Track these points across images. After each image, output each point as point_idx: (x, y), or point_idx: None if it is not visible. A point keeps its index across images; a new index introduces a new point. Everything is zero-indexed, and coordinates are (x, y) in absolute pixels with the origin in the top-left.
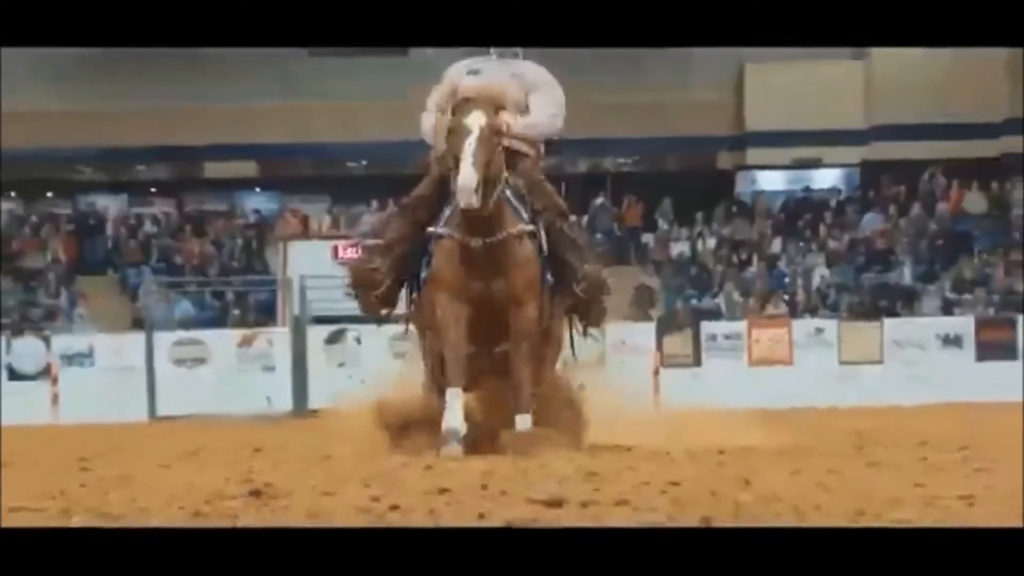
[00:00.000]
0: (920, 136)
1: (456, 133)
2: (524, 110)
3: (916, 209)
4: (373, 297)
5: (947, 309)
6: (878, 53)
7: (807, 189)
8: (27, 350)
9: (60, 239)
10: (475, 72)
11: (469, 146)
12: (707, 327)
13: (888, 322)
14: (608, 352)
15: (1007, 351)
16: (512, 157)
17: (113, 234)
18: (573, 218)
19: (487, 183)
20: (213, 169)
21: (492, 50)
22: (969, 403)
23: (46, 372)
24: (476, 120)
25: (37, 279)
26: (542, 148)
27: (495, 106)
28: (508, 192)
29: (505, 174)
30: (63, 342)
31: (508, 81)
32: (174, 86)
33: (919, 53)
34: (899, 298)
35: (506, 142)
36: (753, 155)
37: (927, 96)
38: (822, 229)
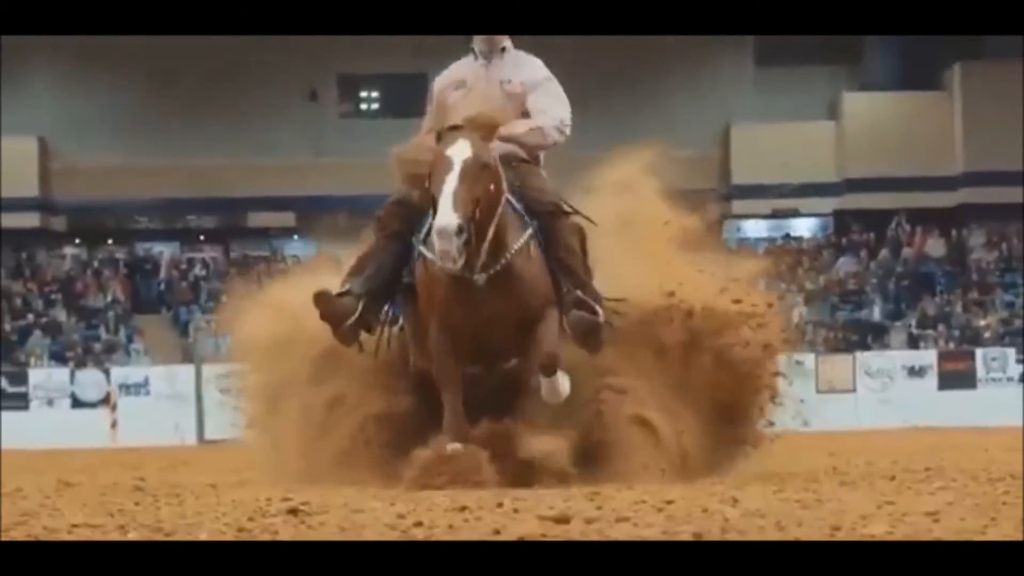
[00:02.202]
0: (887, 188)
1: (437, 166)
2: (523, 115)
3: (884, 253)
4: (345, 328)
5: (913, 343)
6: (849, 114)
7: (786, 236)
8: (89, 380)
9: (119, 281)
10: (462, 85)
11: (449, 184)
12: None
13: (860, 355)
14: None
15: (966, 380)
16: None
17: (166, 276)
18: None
19: (476, 231)
20: (255, 219)
21: (476, 47)
22: (932, 427)
23: (106, 400)
24: (460, 152)
25: (98, 317)
26: (542, 155)
27: (486, 131)
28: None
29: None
30: (121, 373)
31: (499, 91)
32: (221, 144)
33: (887, 114)
34: (869, 333)
35: (501, 148)
36: (738, 206)
37: (893, 152)
38: (800, 272)
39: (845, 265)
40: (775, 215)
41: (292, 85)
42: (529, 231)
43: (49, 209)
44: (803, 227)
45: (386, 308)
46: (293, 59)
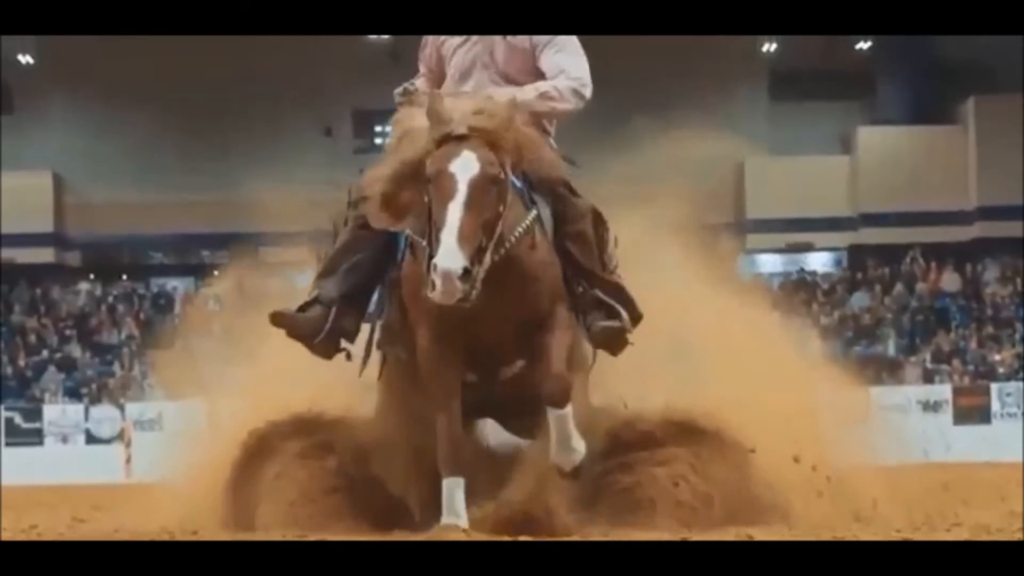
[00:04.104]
0: (902, 223)
1: (437, 184)
2: (534, 74)
3: (899, 288)
4: (320, 343)
5: (927, 378)
6: (864, 148)
7: (801, 271)
8: (104, 416)
9: (133, 317)
10: (464, 76)
11: (453, 211)
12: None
13: (874, 390)
14: None
15: (981, 415)
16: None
17: (181, 312)
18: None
19: (479, 256)
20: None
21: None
22: (947, 462)
23: (120, 436)
24: (466, 168)
25: (113, 353)
26: (553, 124)
27: (493, 140)
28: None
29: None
30: (136, 409)
31: (501, 50)
32: (236, 180)
33: (901, 148)
34: (884, 368)
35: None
36: (752, 240)
37: (908, 187)
38: (815, 306)
39: (860, 300)
40: (789, 249)
41: (307, 121)
42: (534, 213)
43: (64, 244)
44: (817, 262)
45: (373, 307)
46: (308, 96)
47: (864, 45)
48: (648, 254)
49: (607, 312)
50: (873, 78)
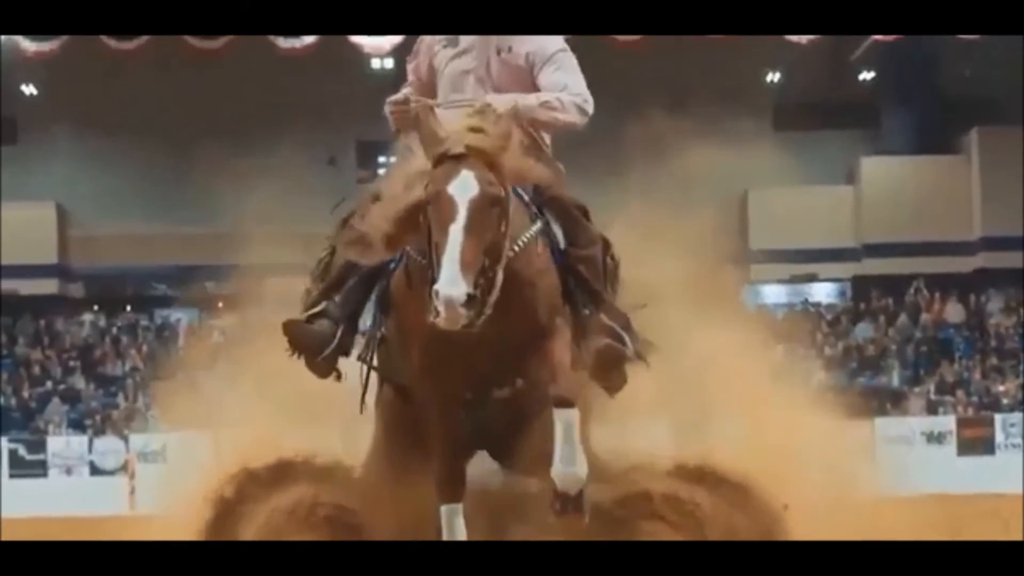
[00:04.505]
0: (905, 253)
1: (436, 206)
2: (531, 91)
3: (903, 319)
4: (322, 359)
5: (931, 409)
6: (867, 179)
7: (805, 301)
8: (108, 448)
9: (137, 348)
10: (454, 41)
11: (454, 236)
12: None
13: (879, 421)
14: None
15: (986, 447)
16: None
17: (184, 343)
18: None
19: (484, 285)
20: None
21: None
22: (950, 494)
23: (124, 468)
24: (465, 189)
25: (117, 384)
26: (548, 143)
27: (494, 155)
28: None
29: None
30: (140, 441)
31: (494, 65)
32: (239, 211)
33: (905, 179)
34: (888, 399)
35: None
36: (756, 271)
37: (911, 217)
38: (819, 337)
39: (863, 331)
40: (793, 280)
41: (311, 152)
42: (538, 225)
43: (67, 276)
44: (821, 292)
45: (368, 325)
46: (312, 127)
47: (868, 76)
48: (650, 284)
49: (611, 336)
50: (877, 109)
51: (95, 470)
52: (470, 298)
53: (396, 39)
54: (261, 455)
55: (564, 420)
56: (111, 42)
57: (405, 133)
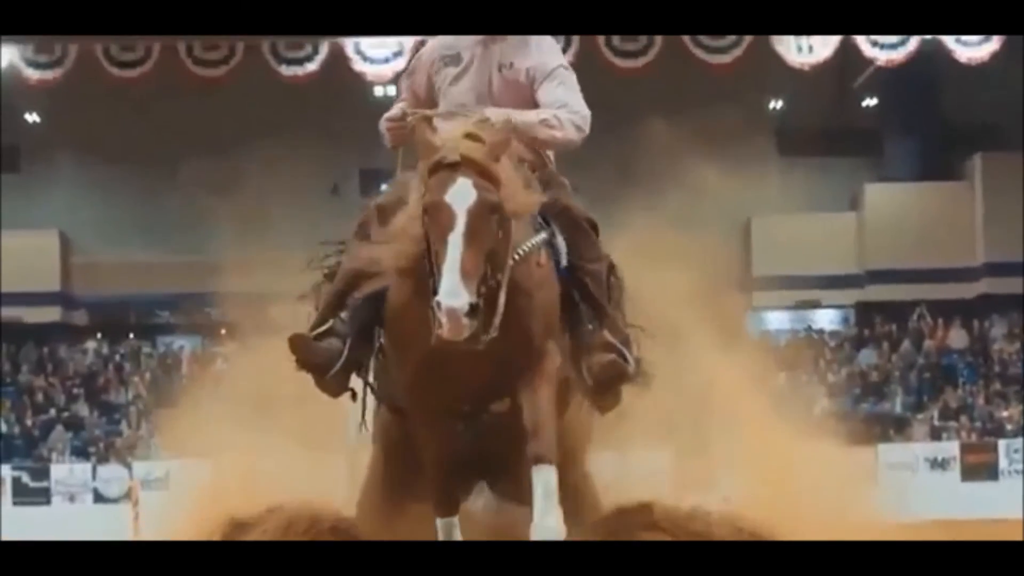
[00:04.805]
0: (909, 280)
1: (434, 216)
2: (531, 107)
3: (906, 345)
4: (331, 377)
5: (935, 435)
6: (871, 205)
7: (808, 328)
8: (111, 476)
9: (140, 375)
10: (455, 61)
11: (454, 245)
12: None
13: (882, 447)
14: None
15: (989, 472)
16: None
17: (188, 371)
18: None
19: (487, 298)
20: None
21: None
22: (954, 520)
23: (128, 495)
24: (462, 197)
25: (120, 412)
26: (552, 159)
27: (490, 162)
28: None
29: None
30: (143, 468)
31: (497, 81)
32: (242, 238)
33: (908, 205)
34: (892, 425)
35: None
36: (759, 298)
37: (915, 243)
38: (822, 364)
39: (867, 357)
40: (797, 307)
41: (314, 180)
42: (541, 236)
43: (70, 304)
44: (825, 319)
45: (377, 338)
46: (316, 155)
47: (871, 102)
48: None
49: (614, 352)
50: (880, 135)
51: (98, 497)
52: (473, 308)
53: (398, 66)
54: (263, 484)
55: (543, 478)
56: (113, 70)
57: (403, 151)
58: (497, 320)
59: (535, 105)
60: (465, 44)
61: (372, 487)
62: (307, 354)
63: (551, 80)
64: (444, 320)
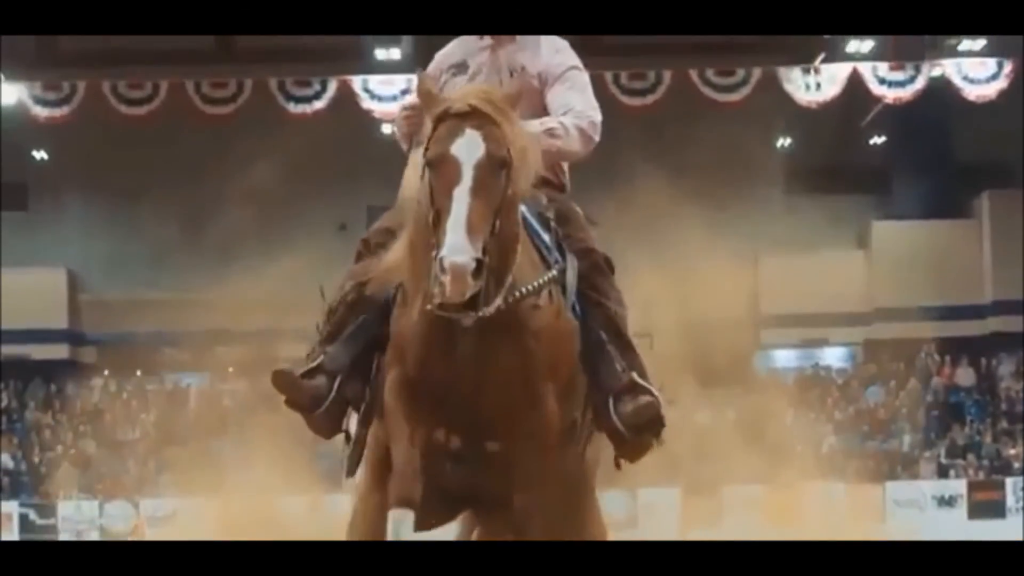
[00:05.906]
0: (916, 317)
1: (439, 169)
2: (541, 113)
3: (913, 383)
4: (319, 415)
5: (942, 473)
6: (878, 243)
7: (816, 365)
8: (118, 513)
9: (148, 413)
10: (462, 69)
11: (460, 199)
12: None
13: (889, 484)
14: None
15: (996, 510)
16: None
17: (195, 408)
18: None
19: (494, 264)
20: (286, 350)
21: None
22: None
23: (134, 533)
24: (471, 148)
25: (127, 449)
26: (566, 174)
27: (500, 119)
28: (524, 210)
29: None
30: (150, 506)
31: (511, 79)
32: (251, 276)
33: (915, 243)
34: (899, 463)
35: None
36: (767, 335)
37: (922, 281)
38: (829, 401)
39: (874, 395)
40: (804, 345)
41: (322, 217)
42: (552, 273)
43: (78, 341)
44: (832, 357)
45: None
46: (324, 192)
47: (878, 140)
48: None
49: (649, 395)
50: (887, 173)
51: (105, 535)
52: (479, 265)
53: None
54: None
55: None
56: (121, 107)
57: (414, 142)
58: (501, 298)
59: (544, 111)
60: (469, 51)
61: (363, 500)
62: (292, 391)
63: (561, 83)
64: (447, 280)
